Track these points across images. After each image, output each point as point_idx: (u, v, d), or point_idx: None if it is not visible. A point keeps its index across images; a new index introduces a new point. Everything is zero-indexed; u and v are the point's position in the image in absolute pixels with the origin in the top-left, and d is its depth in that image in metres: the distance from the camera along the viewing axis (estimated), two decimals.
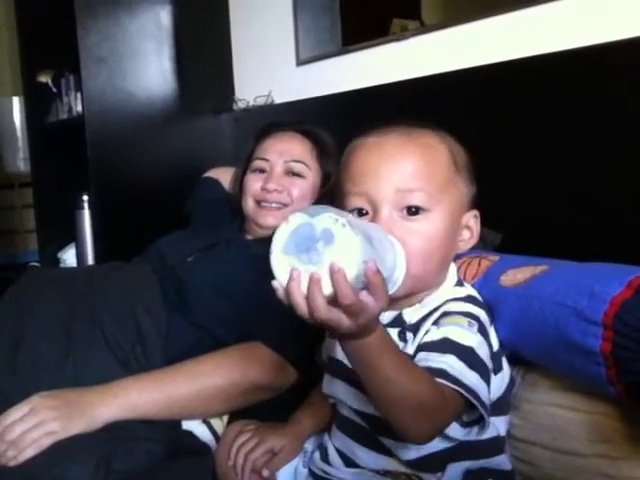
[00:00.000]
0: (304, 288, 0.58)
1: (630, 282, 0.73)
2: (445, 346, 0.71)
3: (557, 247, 0.97)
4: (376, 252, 0.61)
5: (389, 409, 0.66)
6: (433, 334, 0.74)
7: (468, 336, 0.72)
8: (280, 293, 0.60)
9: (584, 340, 0.75)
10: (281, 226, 0.60)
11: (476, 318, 0.75)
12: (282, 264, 0.59)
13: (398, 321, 0.79)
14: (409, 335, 0.77)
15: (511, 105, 1.23)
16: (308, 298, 0.58)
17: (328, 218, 0.58)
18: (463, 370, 0.69)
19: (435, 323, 0.75)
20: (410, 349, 0.76)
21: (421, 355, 0.72)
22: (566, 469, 0.83)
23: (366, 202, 0.76)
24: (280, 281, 0.60)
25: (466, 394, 0.68)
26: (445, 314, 0.75)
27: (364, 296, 0.58)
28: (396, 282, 0.69)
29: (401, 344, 0.77)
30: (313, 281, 0.57)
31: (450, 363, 0.69)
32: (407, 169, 0.76)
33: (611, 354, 0.72)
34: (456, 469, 0.78)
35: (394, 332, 0.78)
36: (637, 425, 0.79)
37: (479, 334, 0.74)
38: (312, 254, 0.58)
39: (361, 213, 0.77)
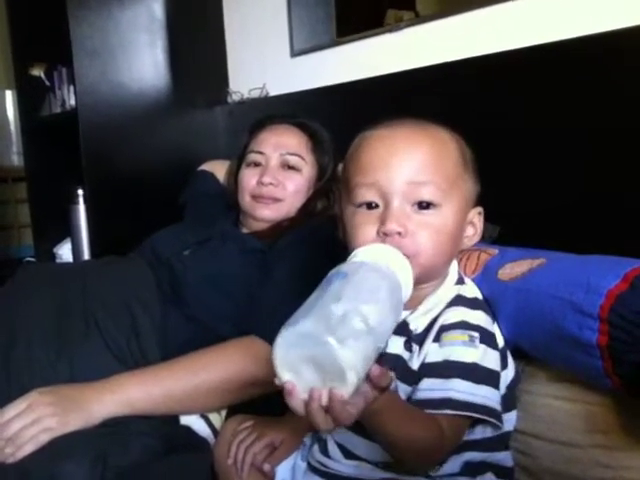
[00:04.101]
0: (306, 396, 0.58)
1: (626, 275, 0.74)
2: (447, 370, 0.73)
3: (555, 238, 0.97)
4: (376, 331, 0.59)
5: (392, 453, 0.72)
6: (435, 354, 0.75)
7: (470, 352, 0.73)
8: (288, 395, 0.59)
9: (581, 333, 0.75)
10: (278, 341, 0.58)
11: (476, 328, 0.75)
12: (284, 363, 0.58)
13: (403, 330, 0.79)
14: (415, 347, 0.77)
15: (507, 96, 1.23)
16: (307, 408, 0.58)
17: (329, 347, 0.55)
18: (471, 389, 0.71)
19: (436, 339, 0.76)
20: (415, 363, 0.77)
21: (425, 384, 0.74)
22: (564, 460, 0.84)
23: (376, 194, 0.75)
24: (285, 379, 0.58)
25: (476, 415, 0.71)
26: (444, 329, 0.76)
27: (366, 390, 0.58)
28: (405, 300, 0.69)
29: (407, 354, 0.78)
30: (313, 399, 0.57)
31: (455, 388, 0.71)
32: (419, 161, 0.75)
33: (607, 347, 0.73)
34: (456, 461, 0.78)
35: (400, 341, 0.79)
36: (634, 415, 0.79)
37: (482, 345, 0.74)
38: (310, 370, 0.57)
39: (370, 206, 0.76)
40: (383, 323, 0.60)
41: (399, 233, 0.73)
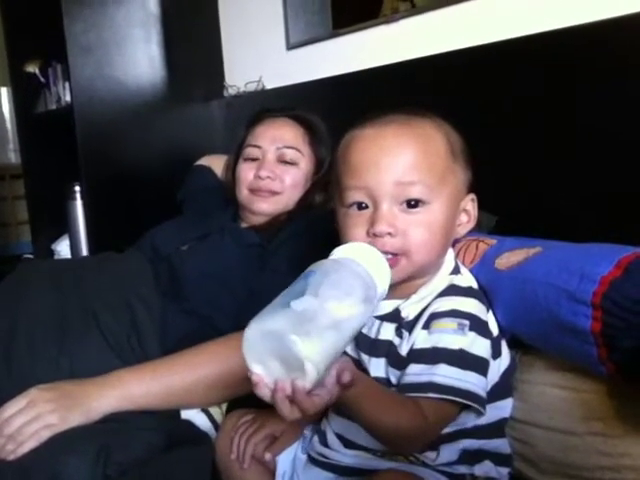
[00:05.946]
0: (272, 386, 0.60)
1: (619, 261, 0.74)
2: (435, 356, 0.73)
3: (551, 227, 0.97)
4: (342, 333, 0.61)
5: (376, 437, 0.72)
6: (424, 341, 0.75)
7: (457, 340, 0.74)
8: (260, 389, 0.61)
9: (575, 320, 0.75)
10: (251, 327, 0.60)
11: (467, 316, 0.76)
12: (253, 355, 0.60)
13: (395, 316, 0.80)
14: (405, 333, 0.78)
15: (503, 86, 1.23)
16: (274, 398, 0.59)
17: (289, 341, 0.57)
18: (457, 374, 0.72)
19: (426, 326, 0.76)
20: (404, 348, 0.77)
21: (413, 369, 0.74)
22: (562, 448, 0.84)
23: (366, 196, 0.77)
24: (254, 371, 0.61)
25: (459, 400, 0.71)
26: (434, 317, 0.76)
27: (331, 385, 0.60)
28: (380, 299, 0.69)
29: (397, 340, 0.79)
30: (277, 390, 0.59)
31: (442, 373, 0.72)
32: (406, 161, 0.76)
33: (601, 333, 0.73)
34: (452, 449, 0.79)
35: (391, 327, 0.80)
36: (631, 402, 0.80)
37: (471, 332, 0.75)
38: (275, 362, 0.59)
39: (360, 207, 0.78)
40: (349, 320, 0.62)
41: (390, 233, 0.75)
